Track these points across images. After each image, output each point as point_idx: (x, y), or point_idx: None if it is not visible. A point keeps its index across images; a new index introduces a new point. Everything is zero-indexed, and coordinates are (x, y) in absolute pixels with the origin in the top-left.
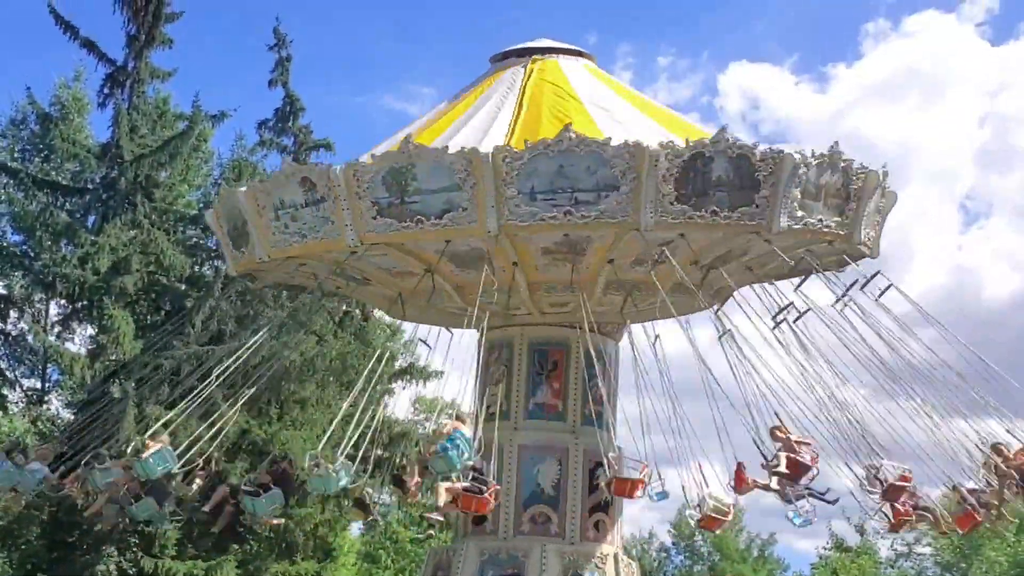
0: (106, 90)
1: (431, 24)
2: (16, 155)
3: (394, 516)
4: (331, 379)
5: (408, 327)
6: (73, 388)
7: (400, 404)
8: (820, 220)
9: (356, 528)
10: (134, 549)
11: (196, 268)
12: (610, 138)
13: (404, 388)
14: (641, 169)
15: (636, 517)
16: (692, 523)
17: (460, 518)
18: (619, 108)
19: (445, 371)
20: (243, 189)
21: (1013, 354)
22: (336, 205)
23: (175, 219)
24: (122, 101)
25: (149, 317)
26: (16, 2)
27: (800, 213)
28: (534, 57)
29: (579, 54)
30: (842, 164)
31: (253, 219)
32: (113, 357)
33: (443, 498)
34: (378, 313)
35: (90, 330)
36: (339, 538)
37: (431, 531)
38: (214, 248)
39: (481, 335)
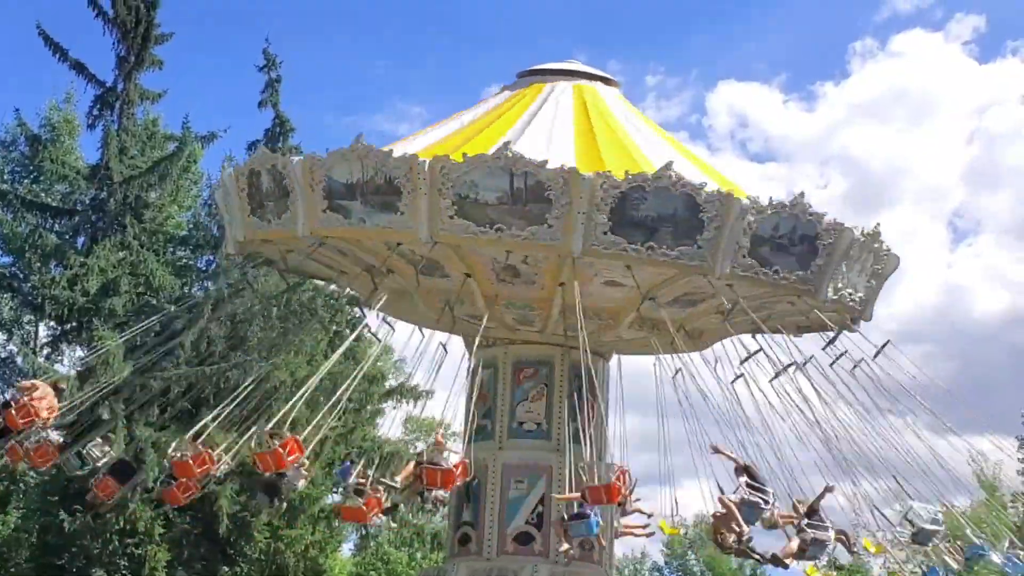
0: (95, 111)
1: (422, 44)
2: (5, 177)
3: (384, 537)
4: (322, 399)
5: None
6: (63, 410)
7: (392, 424)
8: (776, 271)
9: (347, 549)
10: (124, 572)
11: (186, 289)
12: (547, 160)
13: (395, 408)
14: (575, 195)
15: (629, 537)
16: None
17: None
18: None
19: (435, 390)
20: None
21: (1004, 371)
22: (295, 195)
23: (165, 240)
24: (111, 122)
25: (139, 338)
26: (6, 24)
27: (750, 261)
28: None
29: (607, 81)
30: (808, 217)
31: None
32: (103, 378)
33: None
34: (368, 334)
35: (79, 352)
36: (330, 559)
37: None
38: (204, 269)
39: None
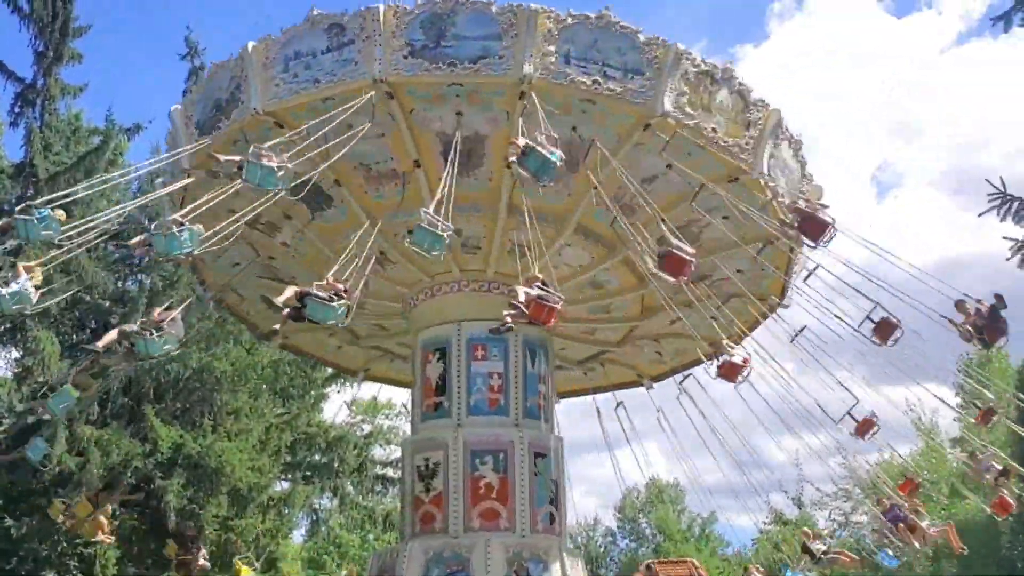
0: (17, 109)
1: None
2: None
3: (336, 521)
4: (263, 387)
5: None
6: (1, 412)
7: (335, 408)
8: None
9: (299, 535)
10: (74, 572)
11: (120, 284)
12: (640, 28)
13: (339, 392)
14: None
15: (581, 503)
16: (715, 375)
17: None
18: None
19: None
20: (253, 43)
21: (936, 322)
22: (367, 44)
23: (96, 236)
24: (34, 119)
25: (74, 336)
26: None
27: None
28: None
29: None
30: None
31: (257, 73)
32: (40, 379)
33: (522, 296)
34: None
35: (15, 353)
36: (282, 546)
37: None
38: (137, 263)
39: None
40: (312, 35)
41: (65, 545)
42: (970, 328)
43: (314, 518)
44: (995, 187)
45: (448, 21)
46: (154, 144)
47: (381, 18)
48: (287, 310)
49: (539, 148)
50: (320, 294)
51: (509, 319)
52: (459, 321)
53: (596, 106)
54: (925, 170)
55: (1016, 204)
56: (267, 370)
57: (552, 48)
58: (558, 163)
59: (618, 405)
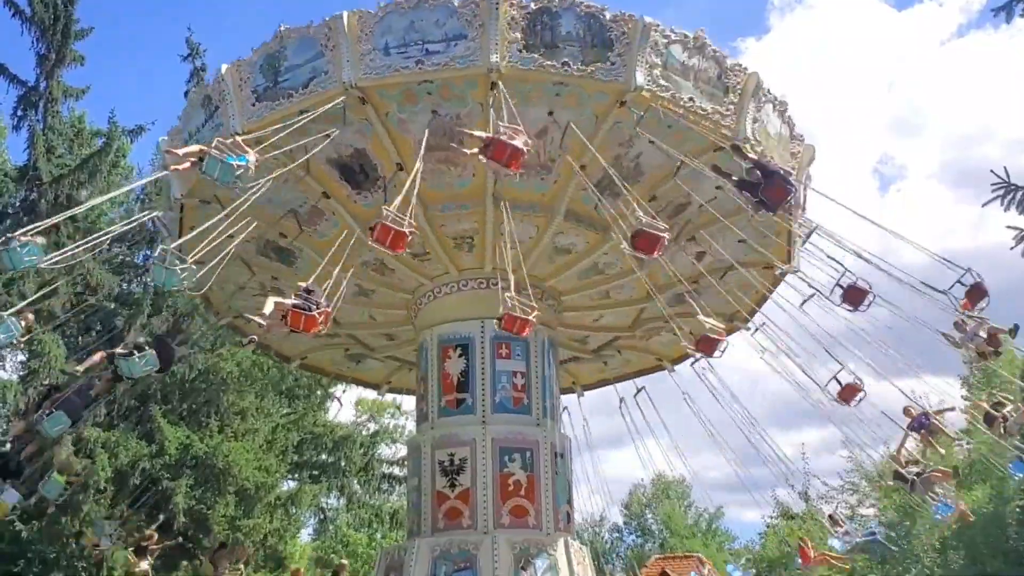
0: (19, 112)
1: None
2: None
3: (343, 520)
4: (269, 388)
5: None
6: (7, 415)
7: (342, 408)
8: (691, 99)
9: (306, 535)
10: (82, 574)
11: (124, 286)
12: None
13: (344, 391)
14: (487, 17)
15: (587, 501)
16: (496, 326)
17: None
18: None
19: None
20: (163, 137)
21: (939, 314)
22: (225, 104)
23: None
24: (36, 122)
25: (80, 339)
26: None
27: (663, 83)
28: None
29: None
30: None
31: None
32: (46, 381)
33: (269, 308)
34: None
35: (21, 356)
36: (289, 546)
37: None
38: (141, 264)
39: None
40: (195, 113)
41: (73, 547)
42: (749, 195)
43: (321, 517)
44: (999, 177)
45: (280, 57)
46: (157, 145)
47: (225, 76)
48: (106, 373)
49: (212, 152)
50: (122, 351)
51: (256, 336)
52: (483, 318)
53: (435, 84)
54: (926, 163)
55: (1020, 193)
56: (273, 370)
57: (369, 46)
58: (239, 166)
59: (621, 401)
